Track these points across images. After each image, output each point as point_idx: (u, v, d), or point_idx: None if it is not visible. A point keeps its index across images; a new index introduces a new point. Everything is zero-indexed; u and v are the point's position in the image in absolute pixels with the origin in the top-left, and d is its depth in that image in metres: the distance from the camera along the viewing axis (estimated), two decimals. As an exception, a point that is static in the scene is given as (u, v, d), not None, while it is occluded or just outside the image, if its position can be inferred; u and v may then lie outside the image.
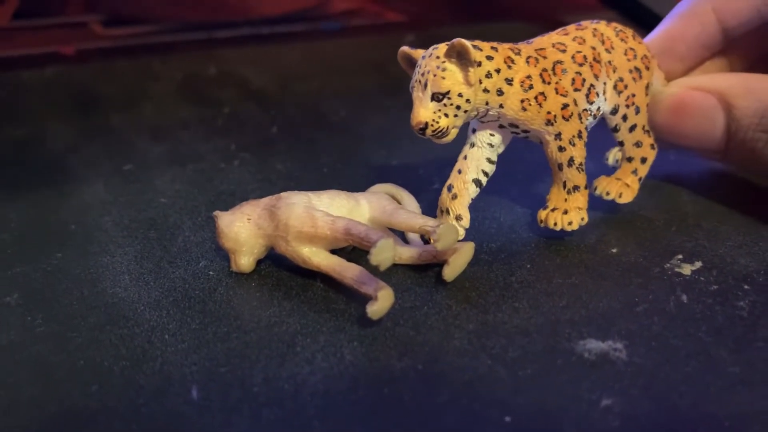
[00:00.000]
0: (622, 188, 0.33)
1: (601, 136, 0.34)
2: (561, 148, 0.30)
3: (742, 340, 0.26)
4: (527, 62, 0.29)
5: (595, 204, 0.33)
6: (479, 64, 0.28)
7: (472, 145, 0.31)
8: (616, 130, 0.33)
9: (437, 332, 0.26)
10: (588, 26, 0.32)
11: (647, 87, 0.33)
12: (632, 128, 0.33)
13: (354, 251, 0.30)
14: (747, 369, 0.24)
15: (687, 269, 0.30)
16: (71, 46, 0.60)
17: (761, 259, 0.30)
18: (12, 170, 0.40)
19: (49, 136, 0.44)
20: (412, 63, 0.30)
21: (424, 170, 0.39)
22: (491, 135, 0.31)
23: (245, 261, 0.30)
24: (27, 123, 0.46)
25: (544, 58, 0.30)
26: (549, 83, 0.29)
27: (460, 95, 0.28)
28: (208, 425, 0.23)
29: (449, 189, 0.31)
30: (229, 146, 0.42)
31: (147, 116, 0.47)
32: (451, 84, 0.28)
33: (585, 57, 0.31)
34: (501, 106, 0.29)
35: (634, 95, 0.32)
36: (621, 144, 0.33)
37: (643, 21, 0.55)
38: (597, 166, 0.36)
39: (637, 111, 0.33)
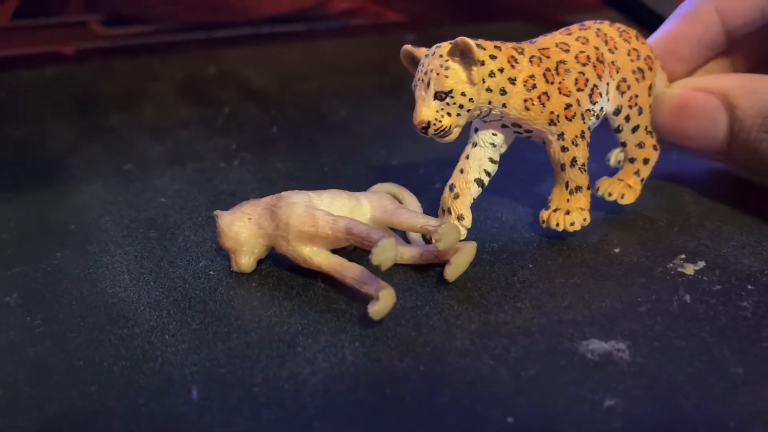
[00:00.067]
0: (624, 189, 0.33)
1: (604, 136, 0.34)
2: (564, 149, 0.30)
3: (745, 341, 0.26)
4: (530, 62, 0.29)
5: (598, 204, 0.33)
6: (482, 63, 0.28)
7: (475, 145, 0.31)
8: (618, 130, 0.33)
9: (439, 332, 0.26)
10: (591, 26, 0.32)
11: (650, 88, 0.33)
12: (635, 129, 0.33)
13: (355, 251, 0.30)
14: (751, 369, 0.24)
15: (690, 269, 0.30)
16: (71, 46, 0.60)
17: (765, 259, 0.30)
18: (12, 170, 0.40)
19: (49, 136, 0.44)
20: (414, 61, 0.30)
21: (425, 170, 0.39)
22: (494, 134, 0.31)
23: (246, 261, 0.29)
24: (27, 123, 0.46)
25: (548, 57, 0.30)
26: (552, 83, 0.29)
27: (463, 94, 0.28)
28: (208, 425, 0.22)
29: (451, 188, 0.31)
30: (230, 146, 0.42)
31: (147, 116, 0.47)
32: (454, 83, 0.28)
33: (588, 57, 0.31)
34: (504, 105, 0.29)
35: (637, 96, 0.32)
36: (623, 145, 0.33)
37: (645, 21, 0.55)
38: (599, 167, 0.36)
39: (640, 112, 0.32)
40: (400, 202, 0.32)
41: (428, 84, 0.28)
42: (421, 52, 0.30)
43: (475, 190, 0.31)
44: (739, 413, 0.23)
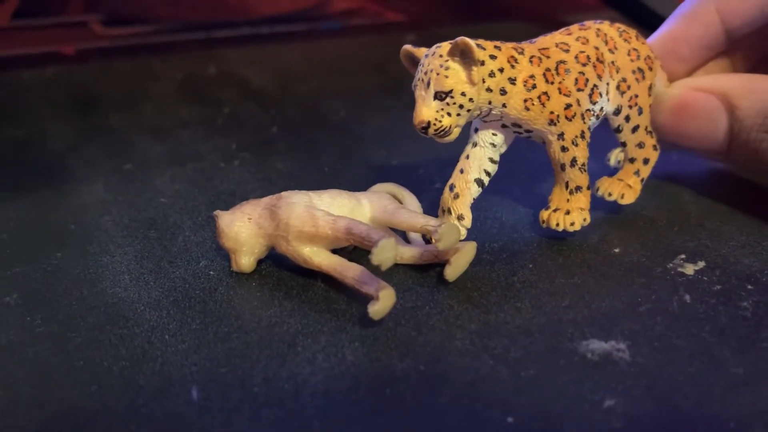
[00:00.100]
0: (624, 189, 0.33)
1: (604, 136, 0.34)
2: (564, 149, 0.30)
3: (745, 341, 0.26)
4: (530, 62, 0.29)
5: (598, 204, 0.33)
6: (482, 63, 0.28)
7: (475, 145, 0.31)
8: (618, 130, 0.33)
9: (439, 332, 0.26)
10: (591, 26, 0.32)
11: (650, 88, 0.33)
12: (635, 129, 0.33)
13: (355, 251, 0.30)
14: (751, 369, 0.24)
15: (690, 269, 0.30)
16: (71, 46, 0.60)
17: (765, 259, 0.30)
18: (12, 170, 0.40)
19: (49, 136, 0.44)
20: (414, 61, 0.30)
21: (425, 170, 0.39)
22: (494, 134, 0.31)
23: (246, 261, 0.29)
24: (27, 123, 0.46)
25: (548, 57, 0.30)
26: (552, 83, 0.29)
27: (463, 94, 0.28)
28: (208, 426, 0.22)
29: (451, 188, 0.31)
30: (230, 146, 0.42)
31: (147, 116, 0.47)
32: (454, 83, 0.28)
33: (588, 57, 0.31)
34: (504, 105, 0.29)
35: (637, 96, 0.32)
36: (623, 145, 0.33)
37: (645, 21, 0.55)
38: (599, 167, 0.36)
39: (640, 112, 0.32)
40: (400, 202, 0.32)
41: (428, 84, 0.28)
42: (421, 52, 0.30)
43: (475, 190, 0.31)
44: (739, 413, 0.23)
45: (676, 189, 0.36)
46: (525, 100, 0.29)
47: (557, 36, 0.31)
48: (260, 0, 0.66)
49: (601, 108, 0.31)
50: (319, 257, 0.28)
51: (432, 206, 0.32)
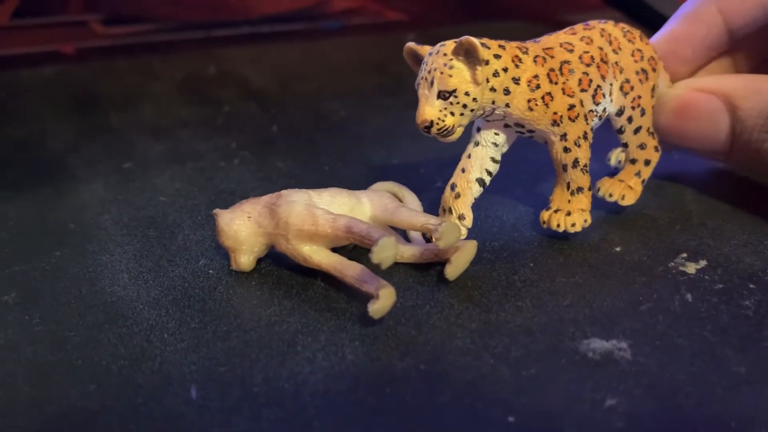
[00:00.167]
0: (624, 190, 0.33)
1: (604, 136, 0.33)
2: (566, 149, 0.30)
3: (747, 340, 0.25)
4: (535, 61, 0.29)
5: (599, 203, 0.33)
6: (487, 62, 0.28)
7: (477, 144, 0.31)
8: (620, 131, 0.32)
9: (439, 331, 0.26)
10: (596, 26, 0.32)
11: (653, 89, 0.33)
12: (637, 130, 0.32)
13: (355, 249, 0.30)
14: (752, 369, 0.24)
15: (691, 268, 0.29)
16: (71, 45, 0.59)
17: (766, 258, 0.30)
18: (12, 169, 0.40)
19: (49, 135, 0.44)
20: (418, 59, 0.30)
21: (426, 169, 0.38)
22: (496, 134, 0.31)
23: (245, 259, 0.29)
24: (27, 122, 0.46)
25: (552, 57, 0.30)
26: (556, 83, 0.29)
27: (466, 94, 0.28)
28: (207, 425, 0.22)
29: (452, 188, 0.31)
30: (229, 145, 0.42)
31: (147, 115, 0.47)
32: (458, 82, 0.28)
33: (592, 57, 0.30)
34: (507, 105, 0.29)
35: (640, 97, 0.32)
36: (625, 146, 0.33)
37: (647, 20, 0.55)
38: (600, 167, 0.36)
39: (643, 113, 0.32)
40: (401, 201, 0.32)
41: (432, 83, 0.28)
42: (424, 50, 0.29)
43: (477, 190, 0.31)
44: (741, 413, 0.22)
45: (678, 188, 0.36)
46: (529, 101, 0.29)
47: (561, 36, 0.31)
48: (260, -1, 0.66)
49: (604, 109, 0.31)
50: (319, 256, 0.28)
51: (433, 205, 0.32)
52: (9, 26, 0.64)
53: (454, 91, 0.28)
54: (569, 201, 0.31)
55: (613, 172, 0.34)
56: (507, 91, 0.28)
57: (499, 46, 0.29)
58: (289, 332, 0.26)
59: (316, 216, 0.28)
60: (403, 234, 0.31)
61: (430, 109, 0.28)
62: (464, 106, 0.28)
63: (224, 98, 0.50)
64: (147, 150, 0.42)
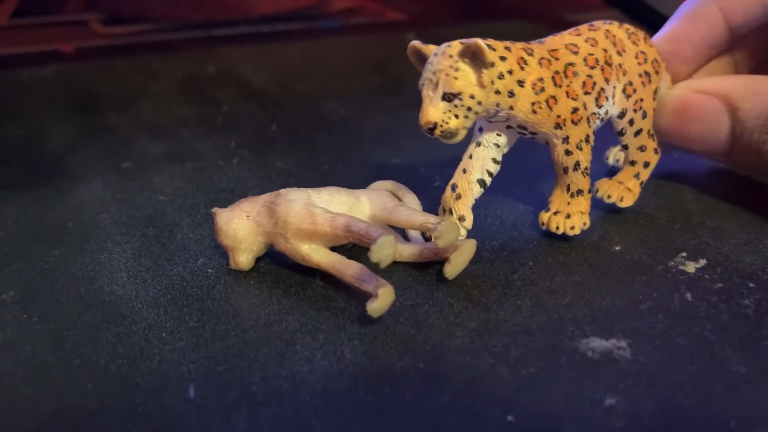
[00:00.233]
0: (623, 192, 0.33)
1: (603, 136, 0.33)
2: (568, 152, 0.30)
3: (747, 339, 0.25)
4: (540, 64, 0.29)
5: (598, 202, 0.33)
6: (492, 64, 0.28)
7: (478, 145, 0.31)
8: (621, 133, 0.32)
9: (438, 331, 0.26)
10: (600, 27, 0.31)
11: (656, 92, 0.32)
12: (638, 132, 0.32)
13: (354, 248, 0.30)
14: (752, 368, 0.24)
15: (691, 267, 0.29)
16: (71, 45, 0.59)
17: (766, 257, 0.30)
18: (11, 169, 0.40)
19: (49, 135, 0.44)
20: (422, 58, 0.29)
21: (425, 169, 0.38)
22: (498, 135, 0.31)
23: (244, 258, 0.29)
24: (26, 122, 0.46)
25: (557, 59, 0.29)
26: (560, 86, 0.29)
27: (471, 97, 0.28)
28: (205, 424, 0.22)
29: (453, 189, 0.31)
30: (229, 144, 0.42)
31: (146, 114, 0.47)
32: (463, 85, 0.27)
33: (597, 60, 0.30)
34: (511, 107, 0.29)
35: (642, 99, 0.32)
36: (625, 147, 0.33)
37: (647, 20, 0.55)
38: (600, 167, 0.36)
39: (644, 115, 0.32)
40: (400, 200, 0.32)
41: (437, 84, 0.28)
42: (429, 49, 0.29)
43: (477, 191, 0.31)
44: (741, 412, 0.22)
45: (677, 187, 0.36)
46: (533, 103, 0.29)
47: (566, 36, 0.31)
48: (260, -1, 0.66)
49: (606, 111, 0.31)
50: (318, 255, 0.28)
51: (432, 205, 0.32)
52: (9, 26, 0.64)
53: (459, 93, 0.28)
54: (569, 203, 0.31)
55: (612, 172, 0.34)
56: (511, 94, 0.28)
57: (505, 47, 0.28)
58: (288, 331, 0.26)
59: (315, 215, 0.28)
60: (402, 233, 0.31)
61: (434, 111, 0.28)
62: (469, 108, 0.28)
63: (224, 98, 0.50)
64: (146, 149, 0.42)
